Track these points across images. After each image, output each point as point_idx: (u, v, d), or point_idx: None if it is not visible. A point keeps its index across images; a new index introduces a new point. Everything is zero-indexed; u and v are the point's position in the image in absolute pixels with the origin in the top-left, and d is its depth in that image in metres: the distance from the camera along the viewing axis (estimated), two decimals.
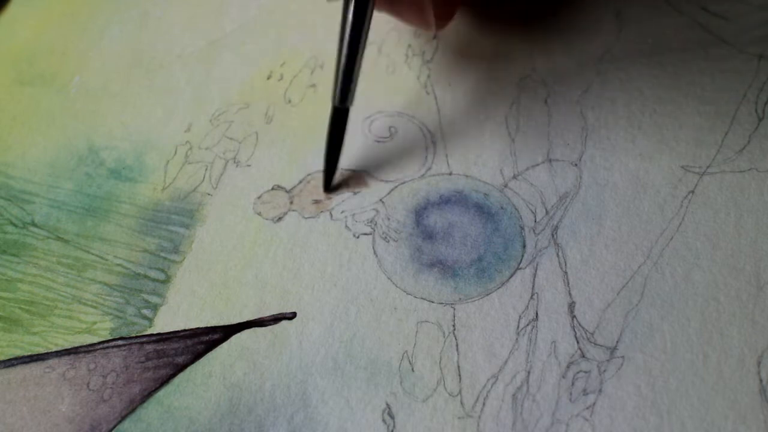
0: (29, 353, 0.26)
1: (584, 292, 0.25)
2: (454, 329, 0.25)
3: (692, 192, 0.27)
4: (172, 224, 0.29)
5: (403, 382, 0.25)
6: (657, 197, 0.27)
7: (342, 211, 0.28)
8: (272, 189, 0.30)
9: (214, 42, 0.35)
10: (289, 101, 0.32)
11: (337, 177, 0.29)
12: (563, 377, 0.24)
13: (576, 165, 0.28)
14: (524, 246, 0.27)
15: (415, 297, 0.26)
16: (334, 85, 0.27)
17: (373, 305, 0.26)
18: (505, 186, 0.28)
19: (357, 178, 0.29)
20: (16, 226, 0.30)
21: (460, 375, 0.24)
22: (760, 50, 0.30)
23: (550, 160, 0.29)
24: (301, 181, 0.30)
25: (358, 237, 0.28)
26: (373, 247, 0.27)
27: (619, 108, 0.29)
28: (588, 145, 0.29)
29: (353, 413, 0.24)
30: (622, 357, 0.24)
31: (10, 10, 0.37)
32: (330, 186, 0.29)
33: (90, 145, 0.32)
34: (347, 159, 0.30)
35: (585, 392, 0.24)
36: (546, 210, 0.27)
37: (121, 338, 0.26)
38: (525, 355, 0.24)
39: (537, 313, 0.25)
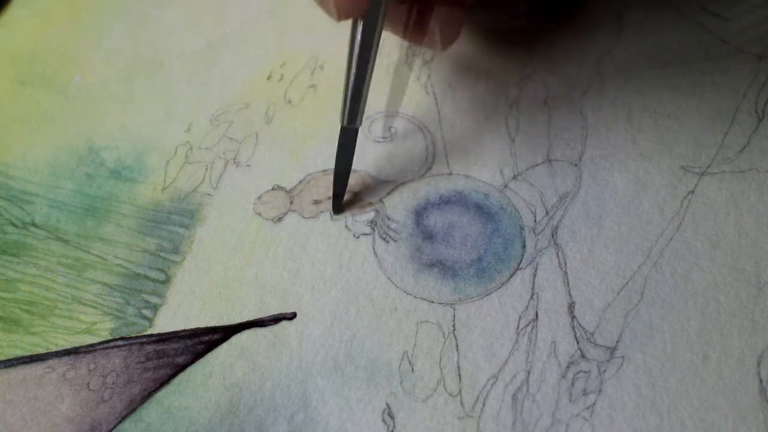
0: (29, 353, 0.26)
1: (584, 292, 0.25)
2: (454, 329, 0.25)
3: (692, 192, 0.27)
4: (172, 224, 0.29)
5: (403, 382, 0.25)
6: (657, 197, 0.27)
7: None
8: (272, 189, 0.30)
9: (214, 42, 0.35)
10: (289, 101, 0.32)
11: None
12: (563, 377, 0.24)
13: (576, 165, 0.28)
14: (524, 246, 0.27)
15: (415, 297, 0.26)
16: (343, 105, 0.26)
17: (373, 305, 0.26)
18: (505, 186, 0.28)
19: (357, 178, 0.29)
20: (16, 226, 0.30)
21: (460, 375, 0.24)
22: (760, 50, 0.30)
23: (550, 161, 0.29)
24: (301, 182, 0.30)
25: (358, 237, 0.28)
26: (373, 248, 0.27)
27: (619, 108, 0.29)
28: (588, 145, 0.29)
29: (353, 413, 0.24)
30: (622, 357, 0.24)
31: (11, 10, 0.37)
32: (341, 209, 0.28)
33: (90, 146, 0.32)
34: None
35: (585, 392, 0.24)
36: (546, 210, 0.27)
37: (121, 338, 0.26)
38: (525, 355, 0.24)
39: (537, 314, 0.25)
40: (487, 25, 0.33)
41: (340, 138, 0.27)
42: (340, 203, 0.28)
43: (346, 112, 0.26)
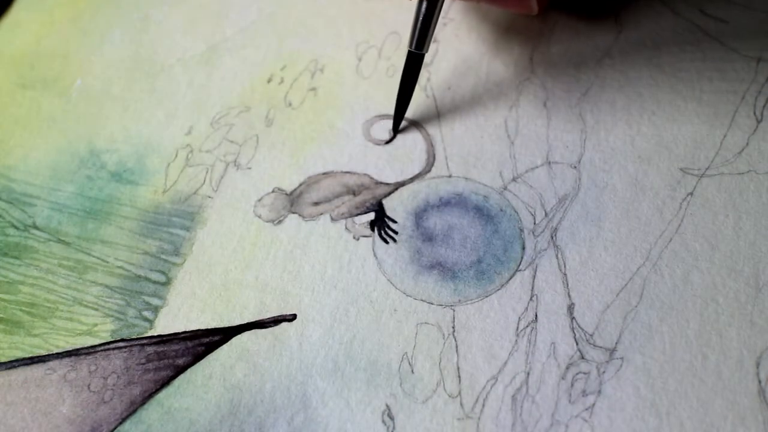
0: (30, 355, 0.27)
1: (583, 293, 0.26)
2: (454, 331, 0.25)
3: (691, 194, 0.27)
4: (172, 227, 0.29)
5: (402, 383, 0.25)
6: (656, 199, 0.27)
7: (342, 213, 0.29)
8: (272, 192, 0.30)
9: (214, 45, 0.35)
10: (290, 104, 0.32)
11: (338, 180, 0.29)
12: (562, 378, 0.24)
13: (575, 167, 0.28)
14: (524, 248, 0.27)
15: (415, 299, 0.26)
16: (412, 32, 0.28)
17: (373, 307, 0.26)
18: (505, 188, 0.28)
19: (356, 180, 0.29)
20: (17, 228, 0.30)
21: (459, 376, 0.24)
22: (759, 53, 0.30)
23: (549, 163, 0.29)
24: (301, 184, 0.30)
25: (358, 239, 0.28)
26: (373, 249, 0.28)
27: (617, 110, 0.30)
28: (587, 147, 0.29)
29: (353, 414, 0.24)
30: (621, 358, 0.24)
31: (13, 14, 0.37)
32: (398, 129, 0.30)
33: (91, 148, 0.32)
34: (348, 161, 0.30)
35: (584, 393, 0.24)
36: (545, 212, 0.28)
37: (122, 340, 0.27)
38: (524, 356, 0.25)
39: (536, 315, 0.25)
40: (487, 26, 0.33)
41: (406, 62, 0.29)
42: (398, 126, 0.30)
43: (415, 39, 0.28)
